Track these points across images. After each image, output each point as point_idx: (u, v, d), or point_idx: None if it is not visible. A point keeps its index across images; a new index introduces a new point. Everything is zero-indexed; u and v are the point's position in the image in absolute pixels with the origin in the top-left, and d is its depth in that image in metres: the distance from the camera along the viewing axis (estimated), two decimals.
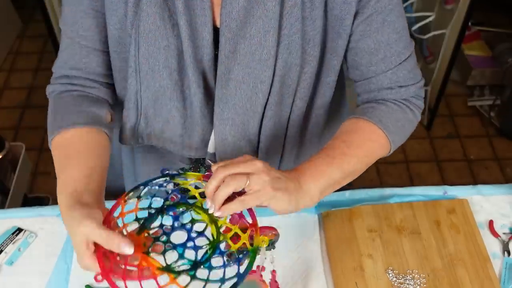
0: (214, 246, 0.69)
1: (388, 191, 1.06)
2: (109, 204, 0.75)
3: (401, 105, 0.92)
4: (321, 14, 0.82)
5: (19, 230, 0.98)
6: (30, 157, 2.02)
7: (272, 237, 0.77)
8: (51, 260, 0.94)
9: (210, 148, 0.96)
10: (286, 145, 0.98)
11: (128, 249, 0.65)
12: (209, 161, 0.97)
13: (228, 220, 0.72)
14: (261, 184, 0.69)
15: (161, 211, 0.73)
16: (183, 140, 0.94)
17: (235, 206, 0.69)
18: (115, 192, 1.16)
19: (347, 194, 1.05)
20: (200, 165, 1.04)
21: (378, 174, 2.25)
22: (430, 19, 2.11)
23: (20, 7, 2.94)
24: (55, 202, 1.04)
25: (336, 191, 1.05)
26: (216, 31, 0.82)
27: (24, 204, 1.83)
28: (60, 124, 0.86)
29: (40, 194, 2.07)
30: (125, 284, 0.65)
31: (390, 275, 0.92)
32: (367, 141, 0.86)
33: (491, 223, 1.00)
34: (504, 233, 0.99)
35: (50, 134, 0.87)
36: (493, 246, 0.97)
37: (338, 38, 0.85)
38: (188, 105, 0.89)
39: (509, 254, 0.96)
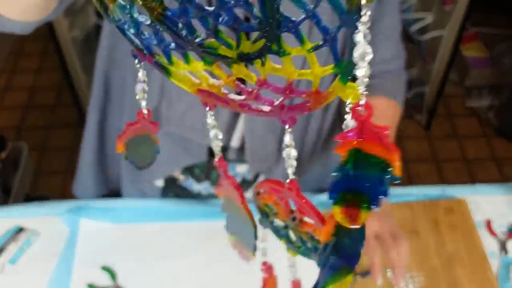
0: None
1: None
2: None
3: (397, 77, 1.00)
4: None
5: (22, 229, 0.99)
6: (32, 157, 2.04)
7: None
8: (53, 259, 0.95)
9: (234, 142, 0.93)
10: (307, 138, 0.97)
11: None
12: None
13: None
14: None
15: None
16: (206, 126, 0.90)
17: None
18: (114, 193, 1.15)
19: None
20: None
21: None
22: (429, 20, 2.12)
23: None
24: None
25: None
26: None
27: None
28: None
29: (42, 194, 2.08)
30: None
31: (389, 274, 0.93)
32: (395, 125, 1.00)
33: (489, 222, 1.01)
34: (502, 232, 1.00)
35: None
36: (491, 245, 0.98)
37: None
38: None
39: (506, 253, 0.97)
